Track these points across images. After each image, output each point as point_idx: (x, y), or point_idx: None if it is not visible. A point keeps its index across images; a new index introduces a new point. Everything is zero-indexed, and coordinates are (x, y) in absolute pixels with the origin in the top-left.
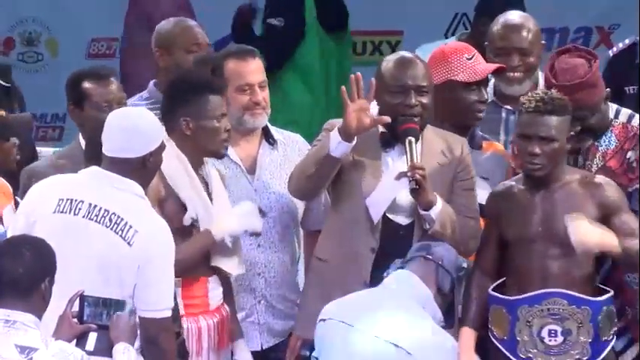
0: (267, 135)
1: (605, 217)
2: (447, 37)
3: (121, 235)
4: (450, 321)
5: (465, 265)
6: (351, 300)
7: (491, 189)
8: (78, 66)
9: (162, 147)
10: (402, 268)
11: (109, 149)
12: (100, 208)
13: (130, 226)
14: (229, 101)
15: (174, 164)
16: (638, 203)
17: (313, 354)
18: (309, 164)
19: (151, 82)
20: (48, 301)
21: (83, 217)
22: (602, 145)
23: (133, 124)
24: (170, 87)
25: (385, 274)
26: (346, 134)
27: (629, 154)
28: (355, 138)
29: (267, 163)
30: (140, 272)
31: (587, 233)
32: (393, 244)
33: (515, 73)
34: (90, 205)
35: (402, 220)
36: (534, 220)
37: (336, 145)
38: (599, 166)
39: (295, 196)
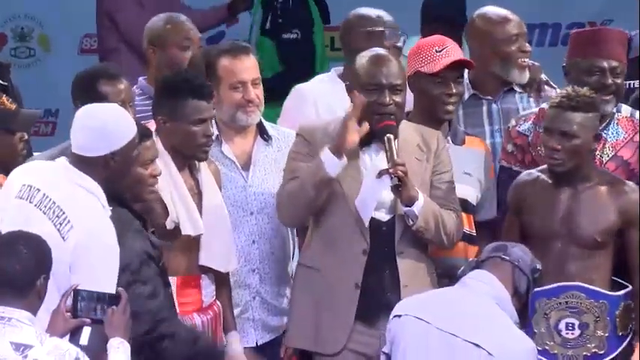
0: (261, 131)
1: (623, 225)
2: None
3: (57, 228)
4: (524, 322)
5: (539, 266)
6: (428, 297)
7: (474, 185)
8: (70, 62)
9: (129, 147)
10: (477, 268)
11: (74, 145)
12: (50, 199)
13: (68, 221)
14: (222, 98)
15: (158, 164)
16: None
17: (383, 349)
18: (307, 191)
19: (141, 78)
20: (43, 298)
21: (35, 205)
22: (610, 137)
23: (96, 123)
24: (157, 85)
25: (460, 273)
26: (339, 152)
27: None
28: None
29: (262, 160)
30: (72, 268)
31: None
32: (377, 242)
33: (526, 59)
34: (44, 195)
35: (383, 216)
36: (557, 216)
37: (333, 165)
38: (610, 156)
39: (290, 225)
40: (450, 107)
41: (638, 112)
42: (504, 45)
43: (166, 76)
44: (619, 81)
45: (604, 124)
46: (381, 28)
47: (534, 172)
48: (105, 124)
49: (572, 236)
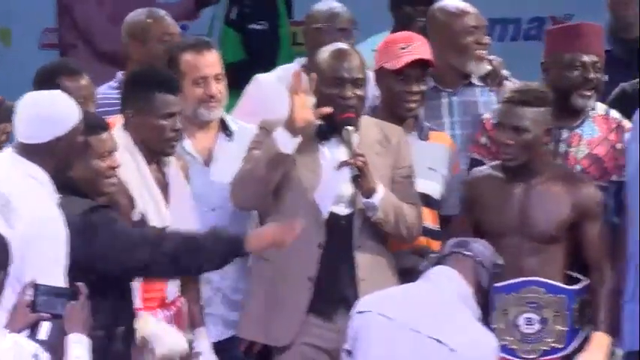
0: (223, 126)
1: (578, 219)
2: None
3: (4, 217)
4: (485, 317)
5: (500, 261)
6: (391, 293)
7: (438, 180)
8: (31, 56)
9: (73, 133)
10: (439, 263)
11: (18, 134)
12: None
13: (15, 210)
14: (185, 93)
15: (125, 157)
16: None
17: (345, 346)
18: (258, 169)
19: (119, 73)
20: (1, 293)
21: None
22: (585, 134)
23: (38, 110)
24: (125, 79)
25: (422, 268)
26: (292, 130)
27: (618, 145)
28: (299, 135)
29: (224, 155)
30: (23, 257)
31: None
32: (335, 236)
33: (483, 52)
34: None
35: (342, 210)
36: (511, 212)
37: (284, 142)
38: (585, 153)
39: (243, 207)
40: (412, 105)
41: (612, 110)
42: (461, 37)
43: (134, 71)
44: (599, 76)
45: (579, 121)
46: (319, 25)
47: (486, 169)
48: (47, 111)
49: (527, 231)
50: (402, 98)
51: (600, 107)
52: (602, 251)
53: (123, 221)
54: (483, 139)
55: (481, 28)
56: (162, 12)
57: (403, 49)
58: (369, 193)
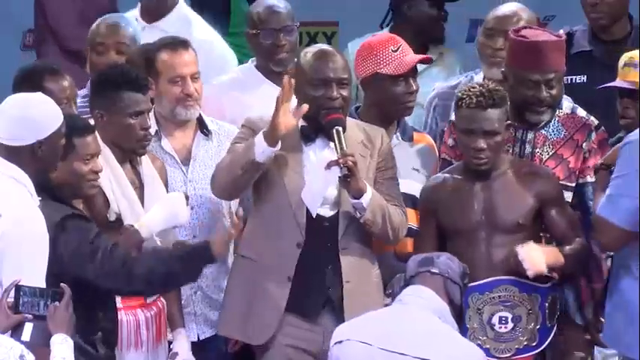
0: (201, 126)
1: (542, 207)
2: (382, 29)
3: None
4: (461, 328)
5: (467, 270)
6: (367, 319)
7: (422, 180)
8: (13, 57)
9: (56, 136)
10: (408, 284)
11: (0, 136)
12: None
13: None
14: (162, 92)
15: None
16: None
17: None
18: (235, 168)
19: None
20: None
21: None
22: (550, 134)
23: (21, 112)
24: (92, 80)
25: (389, 291)
26: (273, 138)
27: (585, 145)
28: (279, 142)
29: (202, 154)
30: (4, 257)
31: (537, 261)
32: (318, 237)
33: (497, 58)
34: None
35: (326, 212)
36: (476, 209)
37: (261, 151)
38: (550, 154)
39: (220, 197)
40: (411, 104)
41: (579, 108)
42: (483, 37)
43: (101, 71)
44: (554, 92)
45: (544, 122)
46: (254, 31)
47: (440, 175)
48: (30, 113)
49: (495, 224)
50: (404, 100)
51: (567, 106)
52: (572, 225)
53: (97, 234)
54: (450, 141)
55: (497, 31)
56: (118, 19)
57: (395, 51)
58: (357, 193)
